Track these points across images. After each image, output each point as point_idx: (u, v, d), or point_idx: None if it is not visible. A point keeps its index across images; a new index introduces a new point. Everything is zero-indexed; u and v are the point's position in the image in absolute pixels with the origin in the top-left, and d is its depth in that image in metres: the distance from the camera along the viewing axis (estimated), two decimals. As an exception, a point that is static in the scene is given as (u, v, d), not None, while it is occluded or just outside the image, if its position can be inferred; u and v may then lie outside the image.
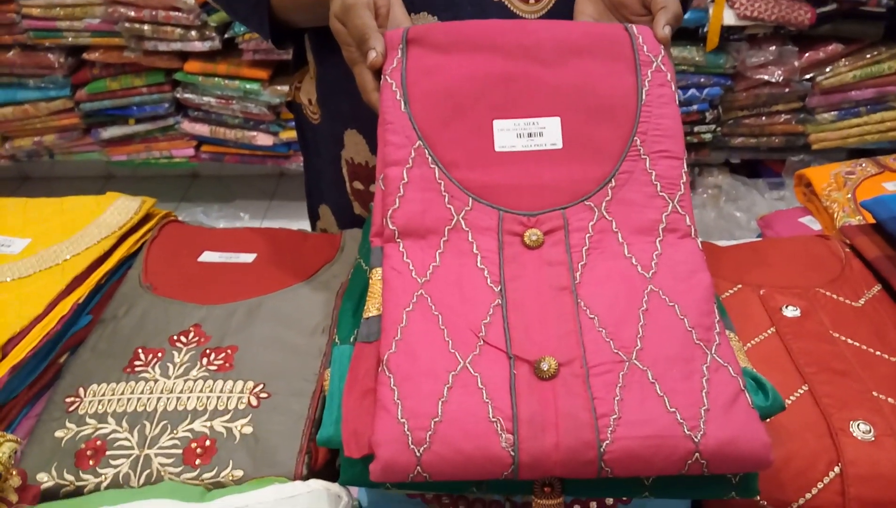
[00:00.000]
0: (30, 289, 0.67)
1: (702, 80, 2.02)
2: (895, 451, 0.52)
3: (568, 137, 0.58)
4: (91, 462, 0.54)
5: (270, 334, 0.63)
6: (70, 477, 0.54)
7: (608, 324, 0.50)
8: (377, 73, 0.61)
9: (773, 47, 1.96)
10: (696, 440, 0.45)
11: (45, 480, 0.54)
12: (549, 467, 0.45)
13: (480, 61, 0.60)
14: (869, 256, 0.71)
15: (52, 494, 0.53)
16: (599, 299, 0.52)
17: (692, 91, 2.03)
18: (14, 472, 0.49)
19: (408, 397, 0.46)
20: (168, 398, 0.58)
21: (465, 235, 0.55)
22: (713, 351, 0.49)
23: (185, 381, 0.59)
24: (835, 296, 0.67)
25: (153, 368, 0.60)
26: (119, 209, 0.81)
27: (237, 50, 2.07)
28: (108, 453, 0.55)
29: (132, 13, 1.96)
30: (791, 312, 0.65)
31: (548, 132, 0.58)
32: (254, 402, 0.57)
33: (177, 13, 1.96)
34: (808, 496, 0.51)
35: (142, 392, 0.58)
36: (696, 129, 2.11)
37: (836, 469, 0.51)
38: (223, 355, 0.61)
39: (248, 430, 0.55)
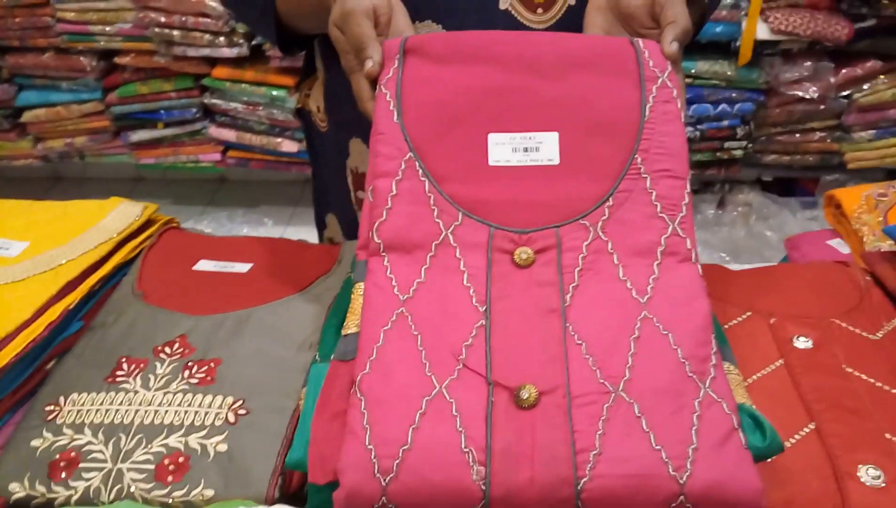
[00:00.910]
0: (21, 293, 0.67)
1: (733, 95, 1.97)
2: (906, 499, 0.48)
3: (565, 153, 0.56)
4: (63, 475, 0.53)
5: (256, 347, 0.62)
6: (42, 489, 0.52)
7: (596, 351, 0.47)
8: (374, 82, 0.59)
9: (809, 63, 1.90)
10: (681, 481, 0.42)
11: (16, 490, 0.53)
12: (522, 503, 0.42)
13: (478, 73, 0.58)
14: (890, 285, 0.67)
15: (23, 505, 0.52)
16: (589, 323, 0.49)
17: (723, 106, 1.98)
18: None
19: (378, 422, 0.44)
20: (146, 411, 0.56)
21: (453, 251, 0.53)
22: (707, 385, 0.46)
23: (165, 394, 0.58)
24: (851, 327, 0.63)
25: (134, 379, 0.59)
26: (120, 214, 0.80)
27: (264, 57, 2.08)
28: (81, 465, 0.54)
29: (162, 19, 1.98)
30: (802, 343, 0.61)
31: (545, 147, 0.56)
32: (231, 418, 0.55)
33: (206, 19, 1.97)
34: (807, 544, 0.47)
35: (121, 404, 0.57)
36: (726, 145, 2.06)
37: (840, 517, 0.48)
38: (206, 368, 0.60)
39: (223, 448, 0.53)
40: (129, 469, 0.53)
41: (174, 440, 0.54)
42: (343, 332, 0.51)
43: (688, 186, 0.55)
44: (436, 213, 0.54)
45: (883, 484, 0.49)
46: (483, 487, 0.42)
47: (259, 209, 2.47)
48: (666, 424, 0.44)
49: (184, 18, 1.98)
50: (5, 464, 0.54)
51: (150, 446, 0.54)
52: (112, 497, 0.51)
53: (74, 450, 0.54)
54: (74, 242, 0.74)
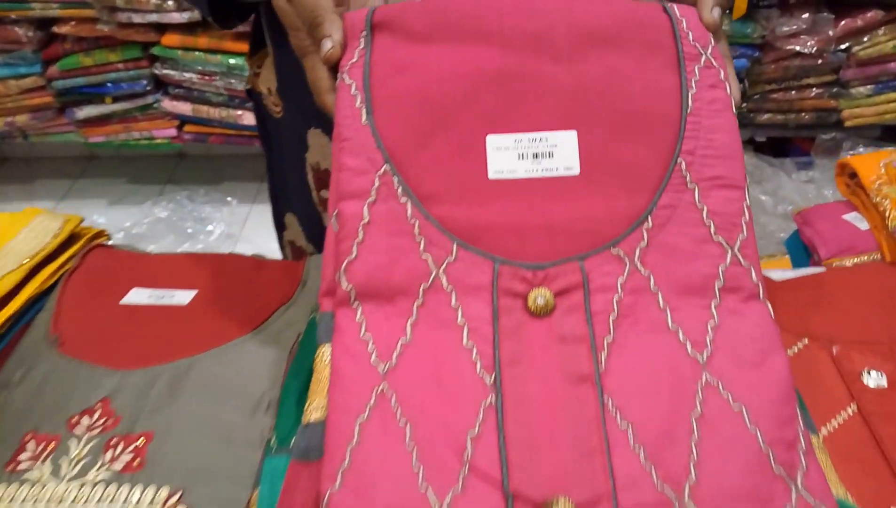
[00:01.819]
0: None
1: (727, 51, 1.84)
2: None
3: (587, 159, 0.43)
4: None
5: (197, 413, 0.49)
6: None
7: (648, 438, 0.35)
8: (334, 68, 0.45)
9: (807, 15, 1.78)
10: None
11: None
12: None
13: (470, 54, 0.44)
14: (968, 296, 0.56)
15: None
16: (634, 396, 0.37)
17: (716, 64, 1.85)
18: None
19: None
20: (56, 511, 0.44)
21: (448, 297, 0.40)
22: (799, 483, 0.34)
23: (81, 486, 0.45)
24: (930, 355, 0.52)
25: (42, 465, 0.46)
26: (35, 232, 0.66)
27: (218, 21, 1.90)
28: (-30, 591, 0.41)
29: (102, -19, 1.79)
30: (874, 380, 0.50)
31: (560, 152, 0.43)
32: (166, 520, 0.43)
33: (150, -19, 1.79)
34: None
35: (24, 500, 0.44)
36: (719, 105, 1.94)
37: None
38: (133, 447, 0.47)
39: (156, 564, 0.41)
40: None
41: (91, 555, 0.42)
42: (304, 417, 0.38)
43: (747, 198, 0.42)
44: (423, 245, 0.41)
45: None
46: None
47: (222, 187, 2.31)
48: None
49: (126, -19, 1.79)
50: None
51: (59, 564, 0.41)
52: None
53: (-39, 571, 0.42)
54: (-26, 272, 0.60)
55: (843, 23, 1.81)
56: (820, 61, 1.87)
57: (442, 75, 0.44)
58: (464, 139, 0.43)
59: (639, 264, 0.40)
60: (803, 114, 2.00)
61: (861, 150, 1.95)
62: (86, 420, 0.49)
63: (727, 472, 0.34)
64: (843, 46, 1.85)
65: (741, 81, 1.91)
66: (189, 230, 2.07)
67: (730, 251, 0.41)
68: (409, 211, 0.41)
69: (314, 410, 0.38)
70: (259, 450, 0.47)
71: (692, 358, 0.38)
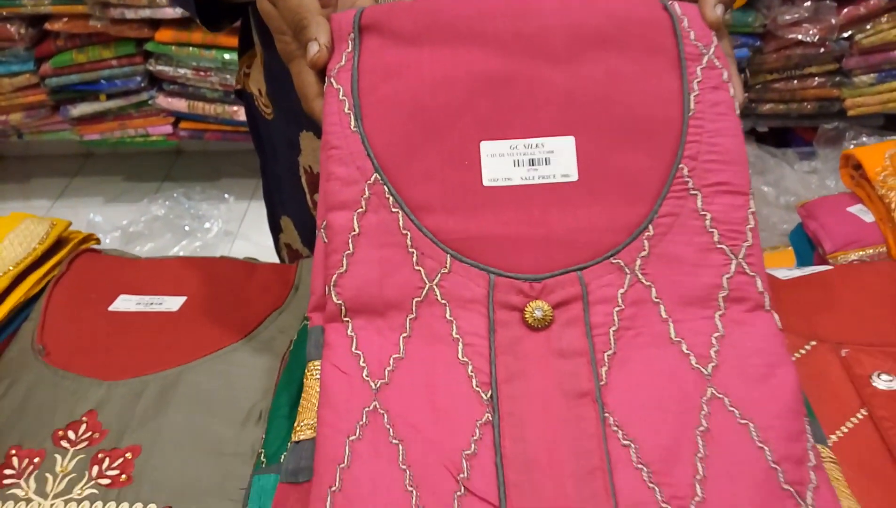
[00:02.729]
0: None
1: (727, 41, 1.82)
2: None
3: (586, 166, 0.41)
4: None
5: (186, 426, 0.47)
6: None
7: (651, 457, 0.34)
8: (322, 73, 0.44)
9: (809, 3, 1.75)
10: None
11: None
12: None
13: (463, 57, 0.42)
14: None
15: None
16: (636, 412, 0.35)
17: (716, 53, 1.83)
18: None
19: None
20: (41, 529, 0.42)
21: (442, 310, 0.38)
22: (809, 502, 0.33)
23: (67, 502, 0.43)
24: (941, 356, 0.50)
25: (27, 481, 0.45)
26: (20, 237, 0.64)
27: (212, 16, 1.88)
28: None
29: (94, -23, 1.77)
30: (885, 382, 0.48)
31: (557, 159, 0.41)
32: (153, 539, 0.41)
33: (143, -24, 1.77)
34: None
35: (8, 519, 0.43)
36: (719, 95, 1.92)
37: None
38: (120, 461, 0.45)
39: (143, 585, 0.40)
40: None
41: (76, 576, 0.40)
42: (293, 435, 0.37)
43: (752, 205, 0.40)
44: (415, 258, 0.39)
45: None
46: None
47: (219, 183, 2.29)
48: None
49: (118, -24, 1.77)
50: None
51: (43, 586, 0.40)
52: None
53: (-57, 594, 0.40)
54: (-42, 281, 0.59)
55: (845, 10, 1.78)
56: (822, 50, 1.84)
57: (433, 80, 0.42)
58: (457, 146, 0.41)
59: (640, 275, 0.39)
60: (805, 103, 1.98)
61: (864, 140, 1.93)
62: (72, 434, 0.47)
63: (734, 491, 0.33)
64: (845, 35, 1.82)
65: (742, 71, 1.89)
66: (186, 228, 2.05)
67: (734, 260, 0.39)
68: (401, 222, 0.40)
69: (304, 429, 0.37)
70: (249, 463, 0.45)
71: (696, 371, 0.36)
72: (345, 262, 0.39)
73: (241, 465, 0.45)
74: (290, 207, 0.76)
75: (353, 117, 0.41)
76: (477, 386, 0.36)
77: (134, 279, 0.62)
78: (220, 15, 0.62)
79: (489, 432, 0.35)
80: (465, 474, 0.34)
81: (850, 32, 1.82)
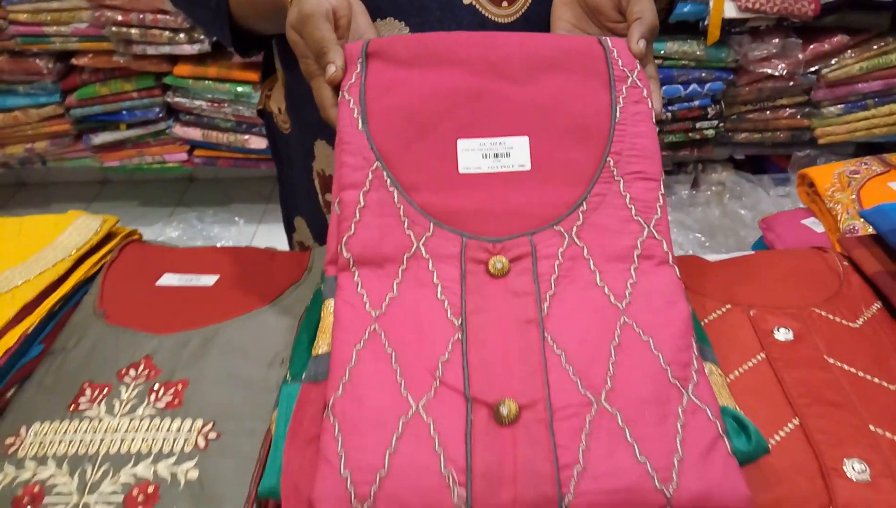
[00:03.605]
0: (-25, 319, 0.64)
1: (703, 74, 1.96)
2: (892, 493, 0.47)
3: (537, 158, 0.54)
4: (27, 511, 0.51)
5: (224, 366, 0.59)
6: (4, 528, 0.50)
7: (576, 361, 0.46)
8: (336, 88, 0.57)
9: (777, 40, 1.90)
10: (667, 494, 0.40)
11: (-23, 530, 0.50)
12: (506, 524, 0.41)
13: (445, 77, 0.56)
14: (868, 271, 0.66)
15: (-15, 545, 0.50)
16: (568, 332, 0.47)
17: (693, 86, 1.98)
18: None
19: (352, 448, 0.42)
20: (112, 439, 0.54)
21: (426, 263, 0.51)
22: (690, 391, 0.45)
23: (131, 420, 0.55)
24: (831, 316, 0.62)
25: (98, 405, 0.57)
26: (78, 229, 0.77)
27: (227, 53, 2.03)
28: (46, 500, 0.51)
29: (119, 17, 1.92)
30: (783, 335, 0.60)
31: (515, 153, 0.54)
32: (201, 443, 0.53)
33: (164, 16, 1.92)
34: (797, 545, 0.47)
35: (85, 432, 0.55)
36: (698, 125, 2.06)
37: (829, 515, 0.47)
38: (172, 390, 0.57)
39: (194, 475, 0.51)
40: (96, 503, 0.50)
41: (142, 469, 0.52)
42: (313, 352, 0.49)
43: (661, 188, 0.53)
44: (406, 224, 0.52)
45: (869, 479, 0.48)
46: (465, 510, 0.40)
47: (230, 208, 2.43)
48: (650, 434, 0.43)
49: (141, 16, 1.92)
50: (-36, 503, 0.52)
51: (117, 476, 0.51)
52: (78, 533, 0.49)
53: (38, 484, 0.52)
54: (31, 261, 0.71)
55: (811, 47, 1.93)
56: (791, 83, 1.98)
57: (422, 93, 0.55)
58: (439, 143, 0.54)
59: (575, 238, 0.51)
60: (778, 133, 2.11)
61: (830, 165, 2.06)
62: (132, 372, 0.59)
63: (634, 382, 0.45)
64: (812, 69, 1.97)
65: (717, 102, 2.03)
66: (199, 248, 2.18)
67: (647, 228, 0.52)
68: (396, 198, 0.52)
69: (321, 346, 0.49)
70: (273, 395, 0.57)
71: (614, 306, 0.49)
72: (353, 227, 0.51)
73: (268, 395, 0.57)
74: (303, 208, 0.89)
75: (360, 120, 0.54)
76: (451, 316, 0.49)
77: (174, 263, 0.74)
78: (251, 44, 0.76)
79: (459, 346, 0.47)
80: (440, 372, 0.46)
81: (816, 67, 1.96)
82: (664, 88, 1.97)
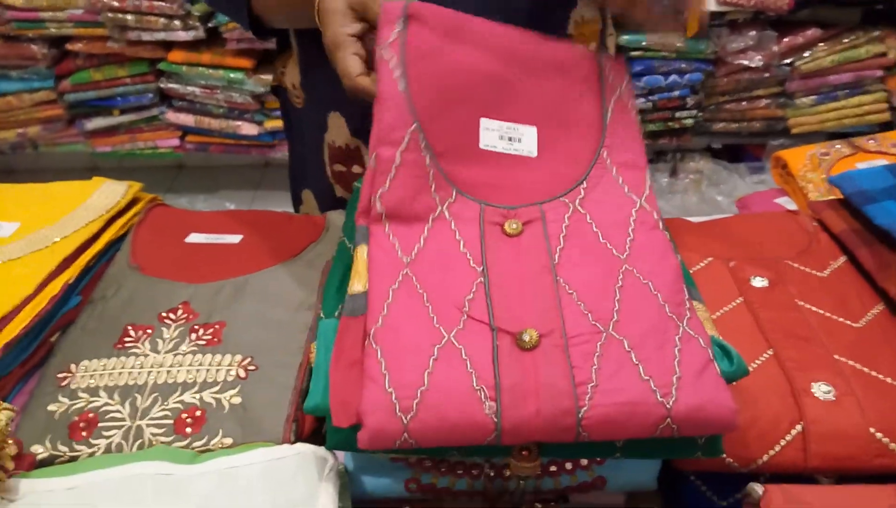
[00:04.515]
0: (20, 271, 0.69)
1: (683, 65, 2.05)
2: (854, 410, 0.55)
3: (542, 147, 0.62)
4: (84, 434, 0.56)
5: (256, 310, 0.65)
6: (64, 448, 0.55)
7: (586, 298, 0.52)
8: (363, 59, 0.61)
9: (753, 32, 1.99)
10: (667, 406, 0.47)
11: (39, 451, 0.55)
12: (530, 433, 0.47)
13: (477, 57, 0.62)
14: (835, 229, 0.74)
15: (48, 464, 0.55)
16: (577, 277, 0.54)
17: (673, 77, 2.06)
18: (10, 441, 0.50)
19: (395, 368, 0.48)
20: (158, 372, 0.59)
21: (449, 224, 0.57)
22: (685, 324, 0.52)
23: (175, 355, 0.61)
24: (801, 267, 0.70)
25: (143, 343, 0.62)
26: (105, 193, 0.82)
27: (221, 39, 2.07)
28: (100, 424, 0.56)
29: (115, 3, 1.96)
30: (759, 282, 0.67)
31: (525, 140, 0.62)
32: (241, 374, 0.59)
33: (160, 2, 1.96)
34: (771, 452, 0.53)
35: (132, 367, 0.60)
36: (677, 114, 2.14)
37: (799, 428, 0.54)
38: (211, 330, 0.63)
39: (237, 400, 0.57)
40: (148, 425, 0.56)
41: (189, 397, 0.57)
42: (349, 291, 0.54)
43: (647, 173, 0.62)
44: (433, 188, 0.58)
45: (834, 398, 0.55)
46: (495, 420, 0.46)
47: (219, 194, 2.47)
48: (652, 358, 0.49)
49: (137, 2, 1.96)
50: (25, 429, 0.57)
51: (166, 403, 0.57)
52: (135, 450, 0.55)
53: (92, 411, 0.57)
54: (65, 220, 0.76)
55: (785, 40, 2.02)
56: (767, 75, 2.07)
57: (457, 67, 0.61)
58: (466, 117, 0.61)
59: (579, 207, 0.59)
60: (754, 123, 2.20)
61: (803, 152, 2.15)
62: (172, 315, 0.65)
63: (637, 315, 0.51)
64: (787, 61, 2.06)
65: (696, 92, 2.11)
66: (191, 232, 2.22)
67: (639, 201, 0.59)
68: (427, 161, 0.58)
69: (356, 285, 0.54)
70: (303, 335, 0.63)
71: (616, 256, 0.56)
72: (388, 183, 0.57)
73: (297, 334, 0.63)
74: (312, 180, 0.94)
75: (402, 82, 0.58)
76: (473, 264, 0.55)
77: (199, 224, 0.79)
78: (267, 26, 0.81)
79: (482, 288, 0.53)
80: (467, 308, 0.52)
81: (791, 59, 2.05)
82: (644, 78, 2.05)
